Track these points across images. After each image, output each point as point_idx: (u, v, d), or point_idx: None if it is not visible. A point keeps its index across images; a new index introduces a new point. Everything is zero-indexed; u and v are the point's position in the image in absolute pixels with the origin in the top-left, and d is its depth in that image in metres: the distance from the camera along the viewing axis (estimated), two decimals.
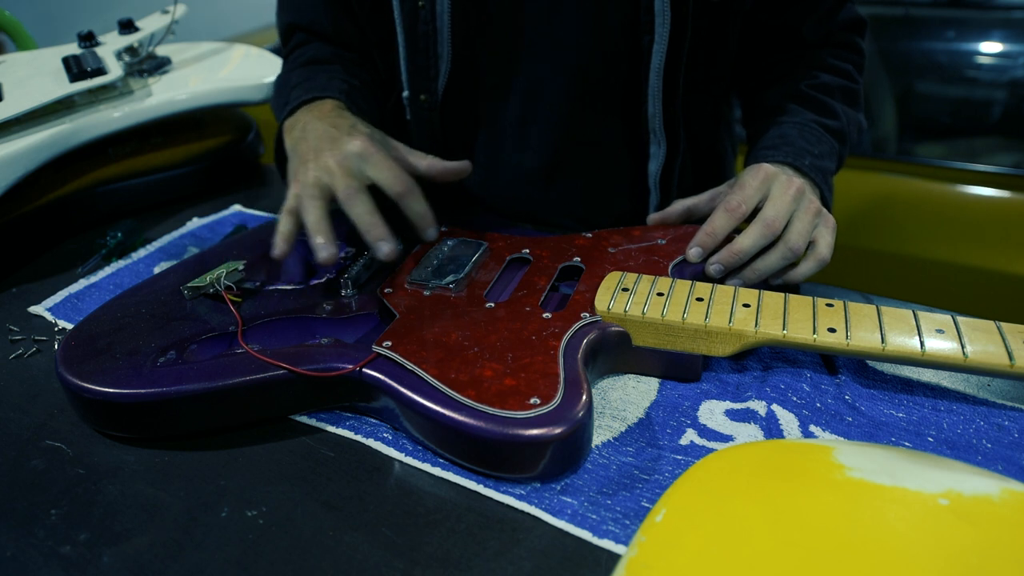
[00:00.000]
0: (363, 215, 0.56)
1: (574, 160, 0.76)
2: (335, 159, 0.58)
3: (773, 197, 0.58)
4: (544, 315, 0.51)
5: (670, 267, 0.57)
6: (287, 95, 0.71)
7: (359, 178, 0.57)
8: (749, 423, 0.48)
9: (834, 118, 0.70)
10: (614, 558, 0.39)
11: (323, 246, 0.54)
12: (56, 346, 0.57)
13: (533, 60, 0.72)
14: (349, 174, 0.57)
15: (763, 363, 0.54)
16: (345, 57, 0.79)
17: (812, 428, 0.47)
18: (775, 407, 0.49)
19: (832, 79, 0.72)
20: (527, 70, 0.72)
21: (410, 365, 0.47)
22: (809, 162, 0.64)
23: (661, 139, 0.71)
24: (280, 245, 0.57)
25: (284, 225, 0.57)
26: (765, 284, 0.59)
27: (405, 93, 0.76)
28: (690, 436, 0.47)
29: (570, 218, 0.78)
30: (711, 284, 0.53)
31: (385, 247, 0.55)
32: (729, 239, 0.58)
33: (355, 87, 0.73)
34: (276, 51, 1.02)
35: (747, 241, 0.57)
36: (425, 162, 0.65)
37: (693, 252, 0.58)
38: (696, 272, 0.58)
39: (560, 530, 0.41)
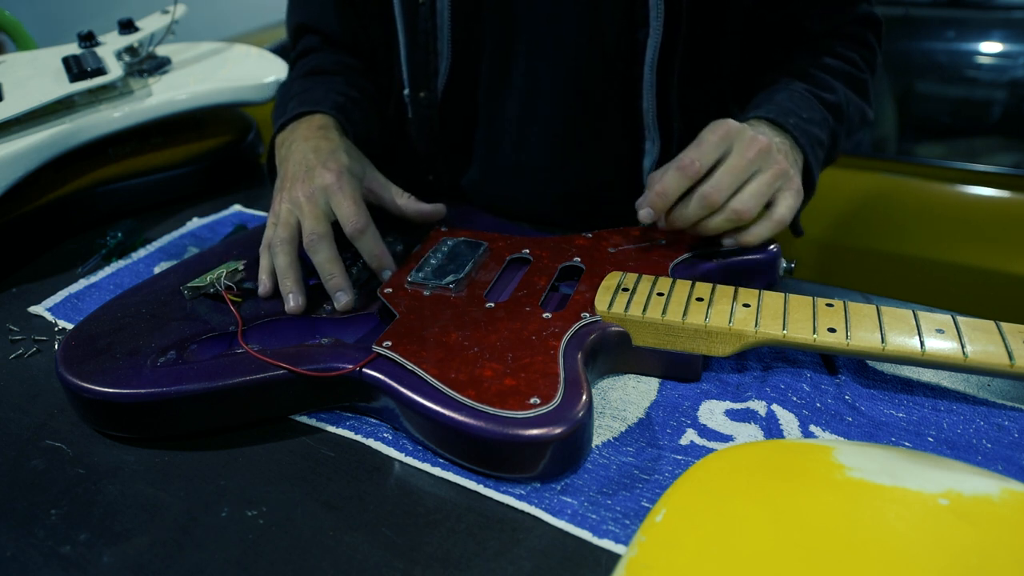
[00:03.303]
0: (323, 263, 0.57)
1: (573, 158, 0.76)
2: (305, 193, 0.59)
3: (731, 157, 0.55)
4: (544, 315, 0.51)
5: (670, 267, 0.57)
6: (284, 106, 0.72)
7: (325, 216, 0.58)
8: (749, 423, 0.48)
9: (831, 92, 0.67)
10: (614, 558, 0.39)
11: (291, 295, 0.56)
12: (56, 346, 0.57)
13: (532, 58, 0.72)
14: (315, 213, 0.58)
15: (763, 363, 0.54)
16: (349, 67, 0.80)
17: (812, 428, 0.47)
18: (775, 407, 0.49)
19: (836, 63, 0.71)
20: (526, 68, 0.73)
21: (410, 365, 0.47)
22: (794, 121, 0.61)
23: (655, 135, 0.71)
24: (265, 282, 0.58)
25: (264, 260, 0.59)
26: (717, 244, 0.58)
27: (406, 91, 0.76)
28: (690, 436, 0.47)
29: (569, 216, 0.78)
30: (711, 284, 0.53)
31: (343, 298, 0.56)
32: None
33: (353, 99, 0.74)
34: (276, 51, 1.02)
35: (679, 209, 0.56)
36: (402, 200, 0.67)
37: (643, 214, 0.57)
38: (697, 272, 0.58)
39: (560, 530, 0.41)
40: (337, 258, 0.57)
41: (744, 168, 0.55)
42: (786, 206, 0.57)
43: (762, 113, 0.62)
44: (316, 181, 0.59)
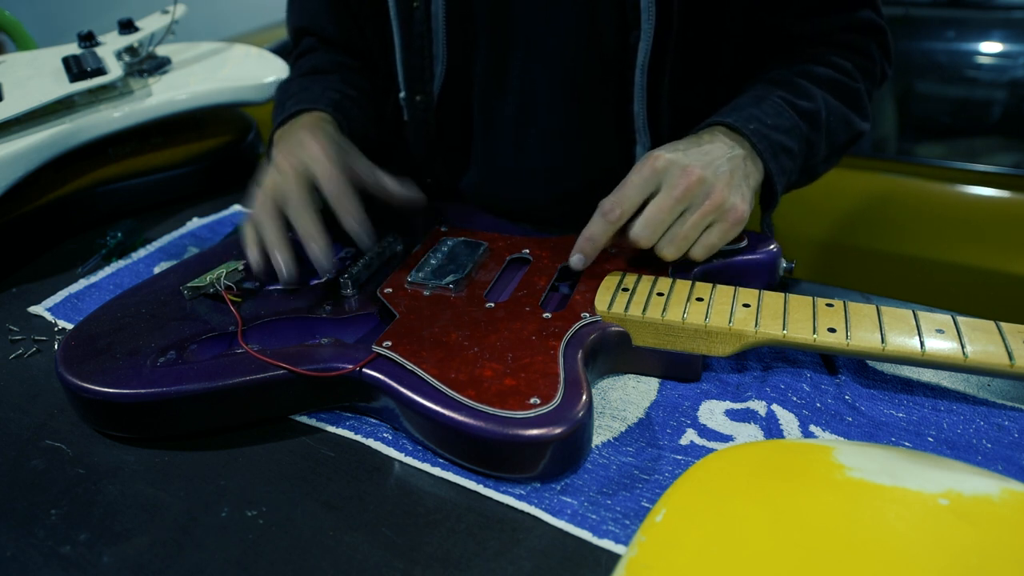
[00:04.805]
0: (306, 226, 0.56)
1: (570, 159, 0.76)
2: (289, 162, 0.59)
3: (657, 197, 0.54)
4: (544, 315, 0.51)
5: (670, 267, 0.57)
6: (283, 105, 0.73)
7: (307, 180, 0.59)
8: (749, 423, 0.48)
9: (807, 100, 0.64)
10: (614, 558, 0.39)
11: (283, 268, 0.56)
12: (56, 346, 0.57)
13: (528, 60, 0.72)
14: (297, 178, 0.58)
15: (763, 363, 0.54)
16: (346, 65, 0.81)
17: (812, 428, 0.48)
18: (775, 407, 0.49)
19: (821, 70, 0.68)
20: (521, 70, 0.72)
21: (410, 365, 0.47)
22: (754, 127, 0.59)
23: (645, 139, 0.70)
24: (253, 254, 0.58)
25: (250, 233, 0.59)
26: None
27: (402, 94, 0.76)
28: (690, 436, 0.47)
29: (568, 217, 0.78)
30: (711, 284, 0.53)
31: (313, 246, 0.56)
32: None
33: (349, 97, 0.74)
34: (276, 51, 1.02)
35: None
36: (384, 181, 0.66)
37: (574, 260, 0.55)
38: (697, 272, 0.58)
39: (560, 530, 0.41)
40: (318, 221, 0.57)
41: (670, 209, 0.53)
42: (704, 246, 0.55)
43: (720, 119, 0.60)
44: (301, 152, 0.60)
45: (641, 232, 0.54)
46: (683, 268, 0.58)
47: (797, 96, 0.64)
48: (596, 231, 0.55)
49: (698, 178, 0.53)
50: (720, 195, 0.54)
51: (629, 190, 0.54)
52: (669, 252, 0.55)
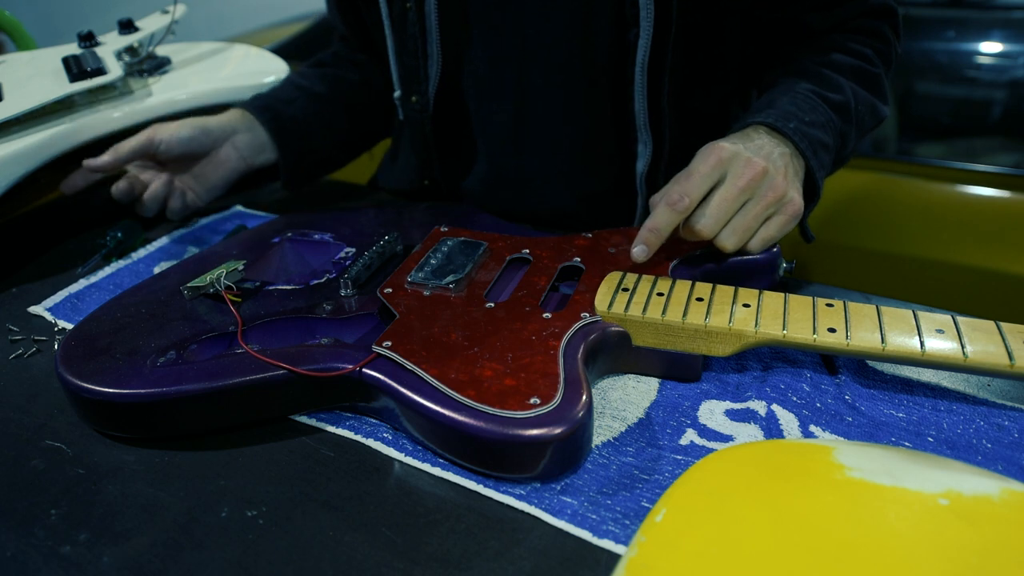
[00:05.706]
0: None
1: (568, 161, 0.75)
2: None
3: (722, 188, 0.54)
4: (544, 315, 0.51)
5: (670, 267, 0.57)
6: None
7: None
8: (749, 423, 0.48)
9: (837, 92, 0.64)
10: (614, 558, 0.39)
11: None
12: (56, 346, 0.57)
13: (523, 60, 0.71)
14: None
15: (763, 363, 0.54)
16: (347, 60, 0.85)
17: (812, 428, 0.47)
18: (775, 407, 0.49)
19: (844, 58, 0.68)
20: (517, 70, 0.72)
21: (410, 365, 0.47)
22: (794, 126, 0.59)
23: (647, 138, 0.70)
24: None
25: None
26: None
27: (397, 93, 0.77)
28: (690, 436, 0.47)
29: (568, 219, 0.78)
30: (711, 284, 0.53)
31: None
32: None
33: (294, 98, 0.80)
34: (276, 51, 1.02)
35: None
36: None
37: (637, 251, 0.55)
38: (696, 272, 0.58)
39: (560, 530, 0.41)
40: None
41: (735, 198, 0.54)
42: (761, 239, 0.56)
43: (760, 119, 0.60)
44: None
45: (706, 222, 0.54)
46: (683, 269, 0.58)
47: (827, 88, 0.64)
48: (661, 221, 0.54)
49: (762, 169, 0.54)
50: (781, 187, 0.54)
51: (696, 179, 0.54)
52: (730, 243, 0.54)
